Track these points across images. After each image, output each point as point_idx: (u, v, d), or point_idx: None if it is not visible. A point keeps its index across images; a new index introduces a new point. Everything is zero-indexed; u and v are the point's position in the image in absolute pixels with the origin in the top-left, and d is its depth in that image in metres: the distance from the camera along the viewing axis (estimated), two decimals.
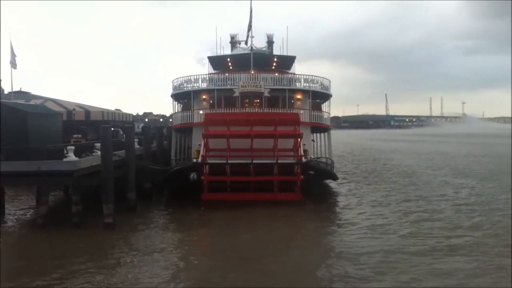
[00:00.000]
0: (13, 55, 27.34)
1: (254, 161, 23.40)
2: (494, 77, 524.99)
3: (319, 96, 31.34)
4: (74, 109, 37.20)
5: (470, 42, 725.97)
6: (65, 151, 17.96)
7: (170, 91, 31.49)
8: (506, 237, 16.58)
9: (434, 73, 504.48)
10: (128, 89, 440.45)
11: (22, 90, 41.05)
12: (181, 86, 30.41)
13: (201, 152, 24.09)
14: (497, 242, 16.16)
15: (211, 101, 29.06)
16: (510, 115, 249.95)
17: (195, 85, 29.67)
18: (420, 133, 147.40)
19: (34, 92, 43.78)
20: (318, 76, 30.21)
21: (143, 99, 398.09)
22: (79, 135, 31.76)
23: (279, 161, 23.69)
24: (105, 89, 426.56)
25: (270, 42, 37.45)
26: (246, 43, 36.22)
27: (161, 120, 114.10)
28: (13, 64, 27.33)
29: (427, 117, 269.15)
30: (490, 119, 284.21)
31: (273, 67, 33.43)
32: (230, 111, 27.23)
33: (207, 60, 35.15)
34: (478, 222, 19.40)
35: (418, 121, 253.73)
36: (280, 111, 27.46)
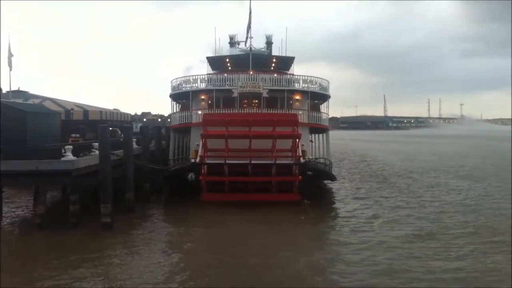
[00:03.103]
0: (10, 55, 27.22)
1: (252, 162, 23.40)
2: (491, 80, 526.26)
3: (318, 97, 31.37)
4: (72, 109, 37.09)
5: (467, 45, 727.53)
6: (63, 151, 17.95)
7: (169, 91, 31.53)
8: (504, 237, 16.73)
9: (432, 75, 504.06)
10: (127, 89, 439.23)
11: (20, 89, 40.93)
12: (180, 86, 30.45)
13: (200, 152, 24.07)
14: (496, 241, 16.35)
15: (209, 102, 29.07)
16: (507, 117, 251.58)
17: (194, 85, 29.70)
18: (417, 134, 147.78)
19: (33, 91, 43.67)
20: (317, 77, 30.29)
21: (142, 99, 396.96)
22: (77, 135, 31.66)
23: (277, 162, 23.69)
24: (104, 89, 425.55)
25: (269, 43, 37.47)
26: (245, 44, 36.26)
27: (159, 120, 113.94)
28: (10, 65, 27.22)
29: (426, 118, 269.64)
30: (488, 121, 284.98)
31: (272, 68, 33.46)
32: (229, 111, 27.24)
33: (206, 60, 35.16)
34: (478, 223, 19.54)
35: (417, 122, 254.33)
36: (278, 111, 27.48)
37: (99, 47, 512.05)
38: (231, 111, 27.24)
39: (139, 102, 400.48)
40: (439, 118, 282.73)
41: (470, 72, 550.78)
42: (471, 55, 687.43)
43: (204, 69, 35.43)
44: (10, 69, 27.28)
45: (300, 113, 27.57)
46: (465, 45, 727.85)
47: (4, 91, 35.60)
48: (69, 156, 17.62)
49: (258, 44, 36.03)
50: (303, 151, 24.90)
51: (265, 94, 27.77)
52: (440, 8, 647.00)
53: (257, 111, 27.64)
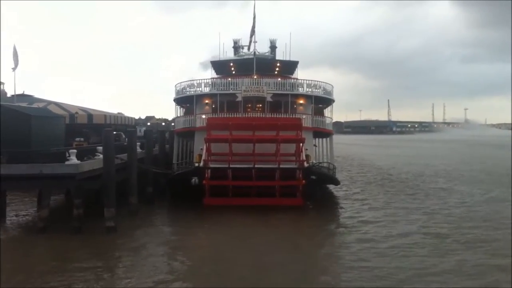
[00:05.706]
0: (16, 60, 27.11)
1: (256, 166, 23.36)
2: (493, 84, 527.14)
3: (322, 101, 31.33)
4: (76, 113, 37.22)
5: (467, 50, 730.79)
6: (67, 154, 17.98)
7: (173, 95, 31.58)
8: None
9: (435, 79, 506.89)
10: (128, 89, 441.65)
11: (25, 93, 41.10)
12: (184, 91, 30.48)
13: (203, 157, 24.05)
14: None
15: (213, 106, 29.09)
16: (510, 122, 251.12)
17: (198, 89, 29.73)
18: (421, 139, 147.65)
19: (37, 94, 43.83)
20: (321, 81, 30.26)
21: (143, 100, 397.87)
22: (82, 139, 31.74)
23: (281, 166, 23.61)
24: (106, 89, 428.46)
25: (273, 47, 37.43)
26: (249, 48, 36.27)
27: (163, 124, 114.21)
28: (16, 63, 27.06)
29: (430, 123, 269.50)
30: (493, 126, 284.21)
31: (276, 72, 33.43)
32: (233, 115, 27.24)
33: (209, 64, 35.24)
34: (479, 224, 19.58)
35: (421, 126, 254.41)
36: (282, 116, 27.45)
37: (99, 47, 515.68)
38: (235, 115, 27.23)
39: (139, 102, 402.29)
40: (443, 123, 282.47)
41: (472, 76, 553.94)
42: (472, 60, 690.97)
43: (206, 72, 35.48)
44: (13, 70, 27.06)
45: (304, 117, 27.51)
46: (466, 50, 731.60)
47: (8, 94, 35.75)
48: (73, 160, 17.65)
49: (262, 48, 36.10)
50: (306, 156, 24.83)
51: (269, 98, 27.74)
52: (440, 12, 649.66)
53: (261, 115, 27.62)
